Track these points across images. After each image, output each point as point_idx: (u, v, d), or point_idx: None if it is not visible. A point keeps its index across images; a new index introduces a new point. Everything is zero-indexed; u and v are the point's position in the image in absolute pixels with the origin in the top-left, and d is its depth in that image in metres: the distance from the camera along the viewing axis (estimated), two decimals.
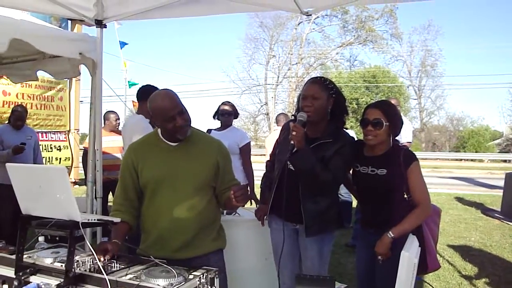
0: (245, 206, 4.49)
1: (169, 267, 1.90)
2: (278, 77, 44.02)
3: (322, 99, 2.60)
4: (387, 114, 2.55)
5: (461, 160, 30.17)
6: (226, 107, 4.71)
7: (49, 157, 10.19)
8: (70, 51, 2.93)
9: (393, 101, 6.03)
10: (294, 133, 2.44)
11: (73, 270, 1.76)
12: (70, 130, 10.94)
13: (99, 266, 1.85)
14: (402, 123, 2.66)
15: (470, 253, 5.55)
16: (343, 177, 2.66)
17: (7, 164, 1.85)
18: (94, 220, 1.86)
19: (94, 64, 3.26)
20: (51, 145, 10.30)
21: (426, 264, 2.57)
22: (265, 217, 2.92)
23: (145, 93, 3.66)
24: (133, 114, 3.74)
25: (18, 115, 5.27)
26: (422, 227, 2.58)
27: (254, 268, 2.89)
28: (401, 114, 5.88)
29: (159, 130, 2.41)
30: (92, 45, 3.20)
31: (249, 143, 4.80)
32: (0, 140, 5.10)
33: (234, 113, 4.76)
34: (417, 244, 2.21)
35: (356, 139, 2.89)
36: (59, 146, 10.56)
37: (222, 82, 71.65)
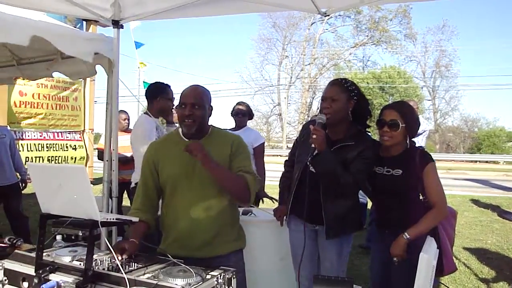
0: (259, 206, 4.51)
1: (186, 266, 1.91)
2: (291, 77, 44.08)
3: (341, 101, 2.58)
4: (404, 115, 2.53)
5: (476, 161, 29.77)
6: (241, 107, 4.72)
7: (64, 156, 10.30)
8: (85, 51, 2.94)
9: (411, 103, 5.98)
10: (314, 136, 2.43)
11: (92, 268, 1.78)
12: (84, 129, 11.04)
13: (117, 265, 1.87)
14: (419, 125, 2.64)
15: (487, 256, 5.48)
16: (364, 180, 2.63)
17: (29, 163, 1.87)
18: (113, 219, 1.87)
19: (111, 64, 3.29)
20: (66, 144, 10.40)
21: (443, 266, 2.54)
22: (285, 217, 2.92)
23: (154, 91, 3.71)
24: (141, 114, 3.77)
25: None
26: (438, 229, 2.56)
27: (270, 269, 2.89)
28: (420, 117, 5.91)
29: (180, 129, 2.43)
30: (109, 45, 3.22)
31: (263, 144, 4.80)
32: None
33: (249, 114, 4.76)
34: (435, 246, 2.18)
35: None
36: (75, 145, 10.67)
37: (234, 82, 71.57)
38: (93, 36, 3.11)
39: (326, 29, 43.22)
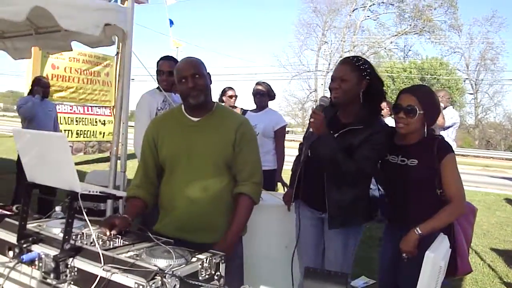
0: (275, 190, 4.38)
1: (171, 247, 1.81)
2: (329, 64, 43.28)
3: (352, 81, 2.39)
4: (423, 101, 2.30)
5: None
6: (260, 87, 4.57)
7: (93, 131, 10.46)
8: (92, 23, 2.82)
9: (441, 93, 5.68)
10: (312, 119, 2.27)
11: (69, 242, 1.70)
12: (115, 105, 11.14)
13: (99, 240, 1.79)
14: (439, 113, 2.41)
15: None
16: (372, 168, 2.43)
17: (13, 129, 1.80)
18: (96, 192, 1.78)
19: (124, 35, 3.19)
20: (96, 119, 10.55)
21: (456, 266, 2.34)
22: (292, 202, 2.78)
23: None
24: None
25: (45, 84, 5.36)
26: (454, 226, 2.35)
27: (273, 256, 2.76)
28: (450, 108, 5.58)
29: (183, 105, 2.31)
30: (122, 16, 3.12)
31: (284, 127, 4.65)
32: (34, 114, 5.20)
33: (268, 94, 4.60)
34: (447, 245, 1.99)
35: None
36: (104, 120, 10.80)
37: (272, 66, 71.15)
38: (104, 5, 2.99)
39: (368, 16, 42.20)
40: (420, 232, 2.22)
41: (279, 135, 4.56)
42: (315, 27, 43.25)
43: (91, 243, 1.81)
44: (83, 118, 10.25)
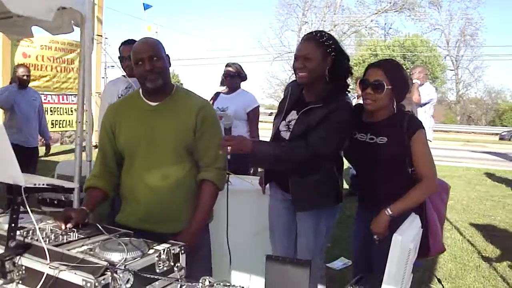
0: (250, 173, 4.29)
1: (127, 240, 1.72)
2: None
3: (317, 59, 2.27)
4: (390, 76, 2.20)
5: (497, 134, 28.93)
6: (229, 68, 4.44)
7: (69, 120, 10.23)
8: (44, 7, 2.62)
9: (418, 69, 5.60)
10: (229, 148, 2.08)
11: (14, 239, 1.59)
12: (91, 93, 10.88)
13: (46, 236, 1.70)
14: (408, 88, 2.33)
15: (493, 234, 5.18)
16: (330, 148, 2.29)
17: None
18: (42, 185, 1.66)
19: (82, 19, 3.03)
20: (71, 108, 10.31)
21: (429, 246, 2.28)
22: (266, 185, 2.69)
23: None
24: None
25: (23, 73, 5.16)
26: (426, 205, 2.29)
27: (243, 243, 2.68)
28: (427, 84, 5.51)
29: (141, 89, 2.19)
30: None
31: (257, 108, 4.52)
32: (13, 103, 5.06)
33: (239, 75, 4.47)
34: (418, 225, 1.92)
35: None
36: (75, 109, 10.55)
37: (253, 48, 70.63)
38: None
39: None
40: (390, 213, 2.15)
41: (252, 117, 4.45)
42: (295, 7, 43.04)
43: (47, 237, 1.73)
44: (58, 107, 10.01)
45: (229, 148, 2.07)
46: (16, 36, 4.17)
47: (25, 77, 5.15)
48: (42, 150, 5.60)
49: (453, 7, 41.25)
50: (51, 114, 9.85)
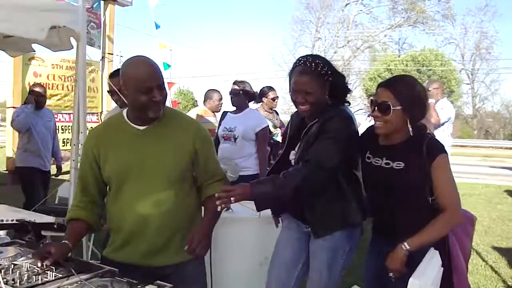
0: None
1: (109, 280, 1.57)
2: None
3: (317, 92, 2.17)
4: (400, 95, 1.99)
5: None
6: (235, 86, 4.29)
7: None
8: (36, 25, 2.51)
9: (435, 85, 5.38)
10: (232, 199, 1.95)
11: None
12: (102, 111, 10.83)
13: (18, 276, 1.54)
14: (424, 106, 2.08)
15: None
16: (332, 157, 2.10)
17: None
18: (11, 220, 1.48)
19: (77, 37, 2.90)
20: None
21: (453, 285, 2.03)
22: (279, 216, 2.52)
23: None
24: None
25: (39, 93, 5.00)
26: (449, 239, 2.05)
27: (245, 274, 2.48)
28: (444, 100, 5.28)
29: (124, 111, 2.01)
30: (74, 16, 2.81)
31: (265, 128, 4.35)
32: (30, 126, 4.91)
33: (246, 93, 4.29)
34: (438, 263, 1.70)
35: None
36: (91, 127, 10.44)
37: (265, 65, 70.87)
38: (51, 6, 2.65)
39: (361, 11, 41.92)
40: (408, 247, 1.92)
41: (261, 137, 4.27)
42: (309, 23, 43.05)
43: (20, 278, 1.55)
44: (69, 126, 9.90)
45: (232, 199, 1.95)
46: (18, 53, 4.05)
47: (42, 97, 5.00)
48: (53, 170, 5.43)
49: (468, 21, 40.74)
50: (62, 133, 9.77)
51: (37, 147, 4.92)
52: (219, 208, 1.97)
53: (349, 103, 2.31)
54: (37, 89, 5.06)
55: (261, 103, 5.12)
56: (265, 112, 5.08)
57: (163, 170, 1.91)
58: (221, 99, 5.27)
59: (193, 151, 1.97)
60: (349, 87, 2.29)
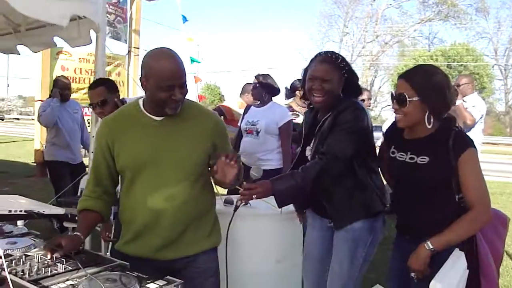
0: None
1: (118, 274, 1.53)
2: (351, 55, 42.58)
3: (334, 81, 2.21)
4: (418, 86, 1.88)
5: None
6: (255, 80, 4.23)
7: None
8: (59, 13, 2.52)
9: (464, 79, 5.17)
10: (254, 196, 2.02)
11: None
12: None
13: (29, 267, 1.53)
14: (445, 96, 1.91)
15: None
16: (347, 147, 2.14)
17: None
18: (20, 211, 1.45)
19: (97, 28, 2.88)
20: None
21: None
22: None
23: None
24: None
25: (64, 85, 4.98)
26: (477, 240, 1.92)
27: (262, 272, 2.40)
28: (475, 95, 5.06)
29: (140, 100, 1.95)
30: (94, 7, 2.80)
31: (289, 122, 4.23)
32: (56, 119, 4.91)
33: (265, 87, 4.22)
34: (463, 266, 1.60)
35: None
36: None
37: (295, 60, 70.60)
38: None
39: (390, 5, 41.31)
40: (431, 247, 1.81)
41: (284, 131, 4.17)
42: (337, 18, 42.63)
43: (26, 271, 1.53)
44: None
45: (254, 196, 2.01)
46: (41, 48, 4.08)
47: (67, 90, 4.99)
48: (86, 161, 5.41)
49: (501, 15, 39.68)
50: (89, 126, 9.92)
51: (65, 141, 4.92)
52: (238, 203, 1.98)
53: (363, 101, 2.33)
54: (61, 81, 5.03)
55: (293, 97, 4.89)
56: (299, 107, 4.95)
57: (178, 163, 1.86)
58: None
59: (211, 145, 1.91)
60: (361, 88, 2.39)
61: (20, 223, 2.14)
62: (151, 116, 1.88)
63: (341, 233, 2.26)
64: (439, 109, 1.91)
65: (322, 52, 2.33)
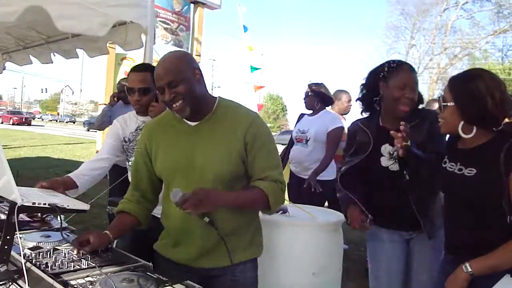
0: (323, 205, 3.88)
1: (137, 274, 1.52)
2: (418, 67, 41.14)
3: (417, 92, 2.25)
4: (454, 90, 1.75)
5: None
6: (307, 89, 4.20)
7: None
8: (98, 22, 2.54)
9: None
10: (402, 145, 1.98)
11: (6, 263, 1.43)
12: None
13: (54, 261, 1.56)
14: (484, 105, 1.70)
15: None
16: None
17: None
18: (44, 204, 1.47)
19: (145, 32, 2.94)
20: None
21: None
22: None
23: None
24: None
25: (122, 88, 5.04)
26: None
27: (299, 284, 2.30)
28: None
29: None
30: (142, 11, 2.85)
31: (339, 129, 4.06)
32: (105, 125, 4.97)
33: (316, 95, 4.14)
34: None
35: None
36: None
37: (360, 71, 69.62)
38: (118, 1, 2.67)
39: (460, 16, 39.42)
40: (469, 270, 1.64)
41: (331, 138, 4.04)
42: (403, 30, 41.41)
43: (53, 263, 1.56)
44: None
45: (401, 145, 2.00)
46: (96, 53, 4.20)
47: (122, 93, 5.09)
48: None
49: None
50: None
51: None
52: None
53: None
54: (120, 84, 5.08)
55: (330, 106, 4.58)
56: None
57: (211, 169, 1.77)
58: (350, 100, 4.70)
59: (242, 148, 1.78)
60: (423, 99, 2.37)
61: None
62: (186, 121, 1.84)
63: (429, 242, 2.22)
64: (476, 118, 1.74)
65: (401, 61, 2.31)
